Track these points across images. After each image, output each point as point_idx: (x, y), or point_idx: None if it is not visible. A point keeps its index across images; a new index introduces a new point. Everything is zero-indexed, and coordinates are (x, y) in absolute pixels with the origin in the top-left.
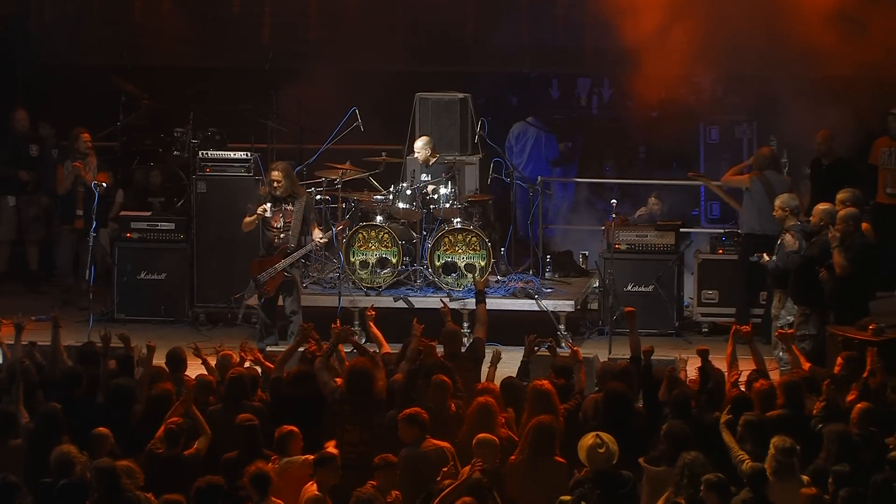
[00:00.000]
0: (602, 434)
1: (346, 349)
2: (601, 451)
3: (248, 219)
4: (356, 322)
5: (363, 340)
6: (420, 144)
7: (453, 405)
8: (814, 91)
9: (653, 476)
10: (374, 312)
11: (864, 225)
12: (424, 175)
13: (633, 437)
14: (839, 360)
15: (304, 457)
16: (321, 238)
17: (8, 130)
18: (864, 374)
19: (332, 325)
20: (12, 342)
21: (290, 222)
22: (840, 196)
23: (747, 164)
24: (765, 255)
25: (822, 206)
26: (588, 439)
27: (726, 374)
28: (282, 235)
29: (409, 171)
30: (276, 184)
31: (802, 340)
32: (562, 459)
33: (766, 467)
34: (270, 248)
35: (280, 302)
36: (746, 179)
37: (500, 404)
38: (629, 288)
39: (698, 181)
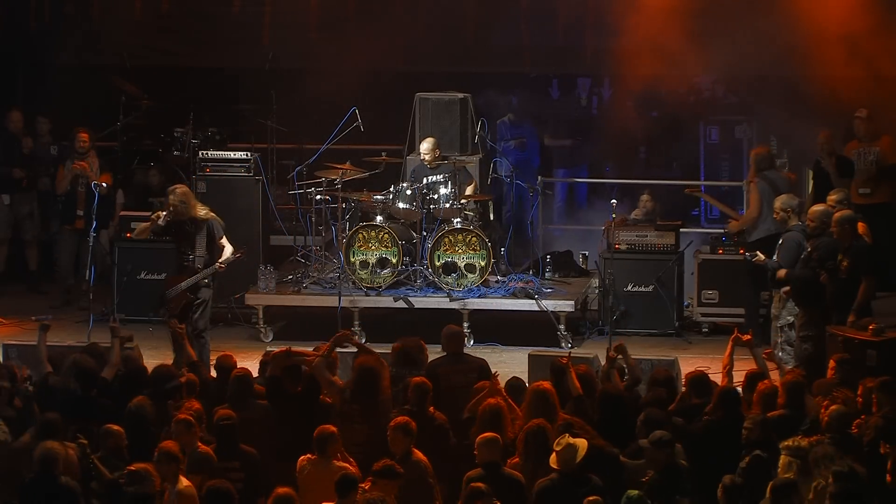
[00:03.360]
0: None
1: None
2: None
3: (142, 224)
4: (356, 322)
5: (363, 341)
6: (427, 146)
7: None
8: (814, 91)
9: (632, 469)
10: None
11: (860, 225)
12: (433, 177)
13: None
14: (831, 363)
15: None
16: (220, 263)
17: (4, 130)
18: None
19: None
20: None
21: (194, 245)
22: (832, 197)
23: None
24: (758, 253)
25: (817, 208)
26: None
27: (722, 376)
28: (190, 257)
29: (408, 172)
30: (171, 207)
31: (805, 341)
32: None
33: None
34: (181, 270)
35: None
36: (754, 195)
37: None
38: (629, 288)
39: (696, 195)
